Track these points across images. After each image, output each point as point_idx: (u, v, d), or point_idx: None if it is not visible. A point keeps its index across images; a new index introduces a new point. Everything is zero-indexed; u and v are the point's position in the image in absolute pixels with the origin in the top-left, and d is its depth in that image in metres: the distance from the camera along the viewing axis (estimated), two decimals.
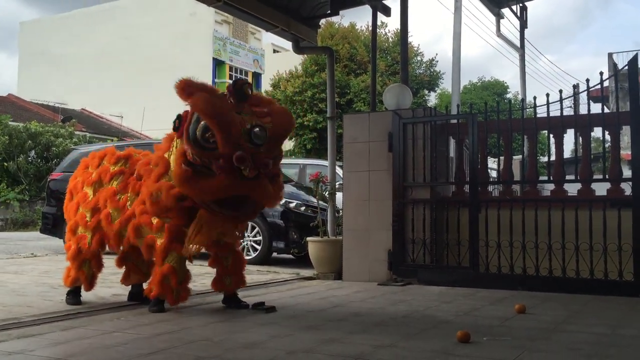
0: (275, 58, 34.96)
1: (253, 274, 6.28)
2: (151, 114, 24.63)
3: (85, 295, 4.53)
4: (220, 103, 3.70)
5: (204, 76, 27.35)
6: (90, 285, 4.45)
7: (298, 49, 8.04)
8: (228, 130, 3.58)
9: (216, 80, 31.14)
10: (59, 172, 9.76)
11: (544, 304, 4.63)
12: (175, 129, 3.86)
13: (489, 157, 6.72)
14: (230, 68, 32.58)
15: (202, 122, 3.62)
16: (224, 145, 3.56)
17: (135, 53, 31.46)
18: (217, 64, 31.88)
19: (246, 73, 33.85)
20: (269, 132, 3.72)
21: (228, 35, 32.70)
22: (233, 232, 4.19)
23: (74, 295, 4.47)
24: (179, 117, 3.83)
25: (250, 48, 34.29)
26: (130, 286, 4.67)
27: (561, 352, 3.02)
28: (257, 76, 34.49)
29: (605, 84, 5.57)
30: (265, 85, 28.22)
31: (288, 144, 23.31)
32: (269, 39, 35.43)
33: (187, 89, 3.76)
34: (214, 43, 31.43)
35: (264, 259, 7.76)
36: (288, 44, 8.31)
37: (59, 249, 8.42)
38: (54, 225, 9.23)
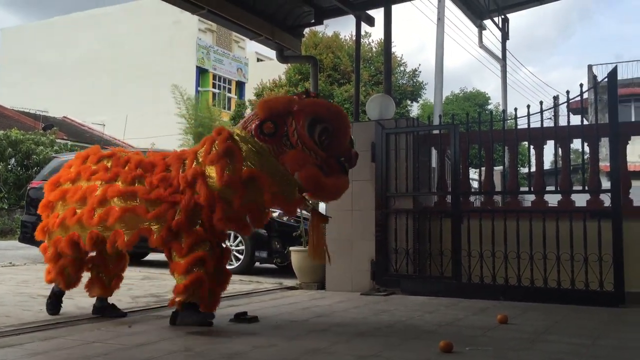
0: (259, 67, 34.98)
1: (235, 284, 6.24)
2: (134, 122, 24.50)
3: (65, 305, 4.46)
4: (340, 108, 4.10)
5: (188, 84, 27.30)
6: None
7: (282, 58, 8.07)
8: (348, 132, 3.98)
9: (199, 88, 31.05)
10: (39, 181, 9.63)
11: (526, 314, 4.66)
12: (271, 134, 3.79)
13: (470, 168, 6.77)
14: (214, 76, 32.52)
15: (319, 126, 3.80)
16: (342, 144, 3.89)
17: (118, 60, 31.28)
18: (201, 72, 31.80)
19: (230, 82, 33.81)
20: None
21: (212, 44, 32.66)
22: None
23: (54, 305, 4.38)
24: (274, 123, 3.80)
25: (234, 57, 34.26)
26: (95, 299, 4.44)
27: None
28: (240, 85, 34.47)
29: (585, 95, 5.65)
30: (249, 94, 28.21)
31: None
32: (253, 47, 35.45)
33: (284, 108, 3.86)
34: (198, 51, 31.36)
35: (246, 269, 7.72)
36: (272, 53, 8.34)
37: (38, 258, 8.30)
38: (33, 234, 9.07)
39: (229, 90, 33.67)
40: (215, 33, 32.98)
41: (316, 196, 4.04)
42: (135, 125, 24.86)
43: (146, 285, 6.30)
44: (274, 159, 3.84)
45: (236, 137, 3.91)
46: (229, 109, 30.61)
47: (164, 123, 25.05)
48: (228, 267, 4.41)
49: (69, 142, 22.16)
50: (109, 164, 4.22)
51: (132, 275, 7.25)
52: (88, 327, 3.92)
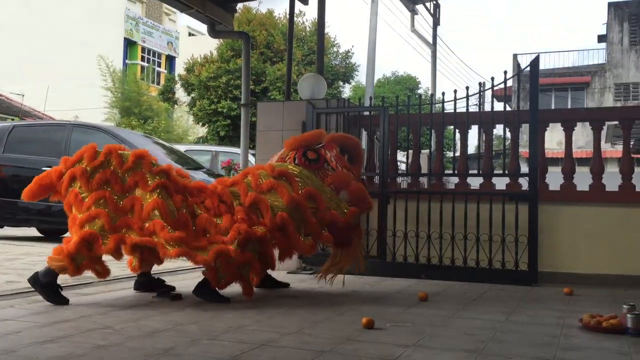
0: (190, 42, 34.11)
1: (176, 260, 6.11)
2: (56, 94, 23.42)
3: None
4: (355, 140, 5.02)
5: (115, 56, 26.31)
6: None
7: (213, 33, 7.88)
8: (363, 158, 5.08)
9: (127, 61, 30.00)
10: None
11: (446, 292, 4.82)
12: (315, 160, 4.46)
13: (398, 150, 6.89)
14: (143, 49, 31.47)
15: (346, 154, 4.71)
16: (361, 168, 5.04)
17: (39, 28, 29.69)
18: (129, 44, 30.69)
19: (160, 55, 32.85)
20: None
21: (141, 15, 31.56)
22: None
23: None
24: (316, 151, 4.52)
25: (165, 30, 33.26)
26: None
27: (458, 338, 3.15)
28: (171, 59, 33.55)
29: (509, 83, 5.84)
30: (179, 69, 27.50)
31: (201, 131, 22.89)
32: (184, 21, 34.54)
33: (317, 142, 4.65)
34: (126, 22, 30.22)
35: None
36: (204, 28, 8.14)
37: None
38: None
39: (159, 65, 32.72)
40: (144, 4, 31.89)
41: (361, 207, 4.50)
42: (57, 97, 23.77)
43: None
44: (320, 181, 4.40)
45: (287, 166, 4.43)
46: (158, 83, 29.78)
47: (89, 96, 24.08)
48: None
49: None
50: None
51: (50, 252, 6.99)
52: (1, 304, 3.75)
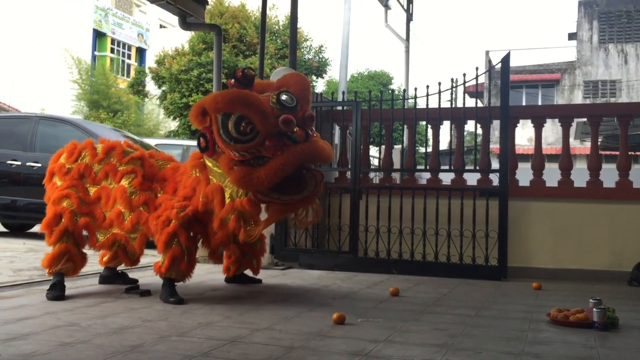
0: (161, 34, 33.63)
1: None
2: (21, 86, 22.88)
3: None
4: (235, 91, 3.57)
5: (83, 48, 25.81)
6: None
7: (184, 25, 7.75)
8: (261, 108, 3.48)
9: (96, 53, 29.47)
10: None
11: (417, 287, 4.85)
12: (204, 149, 3.72)
13: (371, 146, 6.90)
14: (112, 41, 30.93)
15: (231, 118, 3.48)
16: (264, 122, 3.46)
17: (5, 18, 28.97)
18: (98, 35, 30.11)
19: (130, 47, 32.34)
20: (293, 93, 3.69)
21: (111, 6, 30.99)
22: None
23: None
24: (203, 135, 3.70)
25: (135, 21, 32.74)
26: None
27: (429, 332, 3.16)
28: (141, 51, 33.06)
29: (481, 79, 5.88)
30: (150, 62, 27.11)
31: (172, 125, 22.64)
32: (155, 13, 34.03)
33: (199, 113, 3.66)
34: (95, 13, 29.66)
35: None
36: (175, 20, 8.01)
37: None
38: None
39: (129, 57, 32.22)
40: None
41: (259, 190, 3.59)
42: (23, 90, 23.24)
43: (30, 258, 5.95)
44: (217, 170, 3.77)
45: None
46: (128, 75, 29.33)
47: (56, 88, 23.59)
48: None
49: None
50: None
51: (15, 247, 6.83)
52: None
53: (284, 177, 3.54)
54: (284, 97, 3.63)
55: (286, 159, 3.48)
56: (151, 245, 4.03)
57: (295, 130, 3.52)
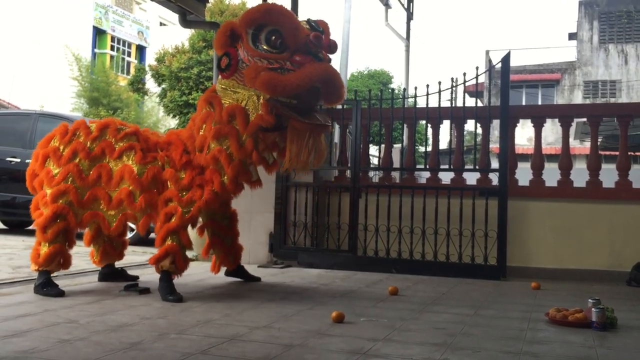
0: (162, 32, 33.58)
1: (128, 255, 6.00)
2: (21, 83, 22.86)
3: None
4: (272, 4, 3.86)
5: (83, 45, 25.80)
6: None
7: (185, 23, 7.75)
8: (294, 22, 3.76)
9: (96, 50, 29.45)
10: None
11: (416, 286, 4.85)
12: (225, 68, 3.86)
13: (371, 145, 6.90)
14: (112, 38, 30.89)
15: (263, 32, 3.71)
16: (295, 36, 3.69)
17: (5, 16, 28.94)
18: (98, 33, 30.08)
19: (130, 45, 32.31)
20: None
21: (111, 3, 30.95)
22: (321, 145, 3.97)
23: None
24: (227, 54, 3.84)
25: (135, 19, 32.71)
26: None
27: (428, 331, 3.17)
28: (141, 49, 33.02)
29: (481, 79, 5.88)
30: (150, 60, 27.08)
31: (171, 123, 22.63)
32: (155, 10, 34.00)
33: (228, 36, 3.85)
34: (95, 10, 29.63)
35: (140, 240, 7.47)
36: (175, 18, 8.00)
37: None
38: None
39: (129, 54, 32.19)
40: None
41: (287, 94, 3.70)
42: (22, 87, 23.23)
43: (29, 256, 5.93)
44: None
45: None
46: (128, 73, 29.31)
47: (56, 85, 23.58)
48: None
49: None
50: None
51: (14, 244, 6.83)
52: None
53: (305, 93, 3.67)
54: (312, 21, 3.89)
55: (315, 69, 3.63)
56: (151, 244, 4.03)
57: (322, 52, 3.75)
